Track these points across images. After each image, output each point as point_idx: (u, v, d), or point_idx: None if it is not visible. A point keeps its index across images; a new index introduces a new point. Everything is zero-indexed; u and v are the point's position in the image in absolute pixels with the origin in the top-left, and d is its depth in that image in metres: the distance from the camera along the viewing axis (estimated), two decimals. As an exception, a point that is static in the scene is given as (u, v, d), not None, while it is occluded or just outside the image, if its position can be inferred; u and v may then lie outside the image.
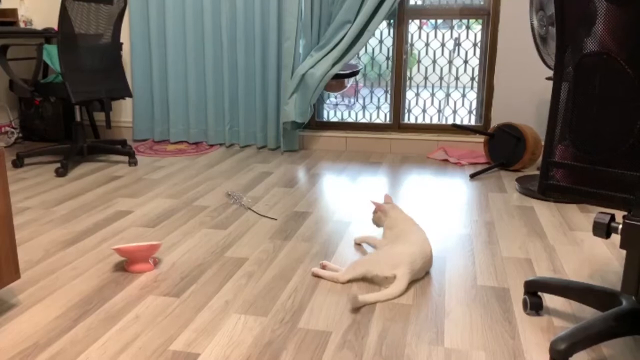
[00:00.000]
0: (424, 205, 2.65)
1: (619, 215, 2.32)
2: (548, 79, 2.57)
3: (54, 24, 3.99)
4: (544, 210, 2.56)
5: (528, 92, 3.53)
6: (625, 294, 1.41)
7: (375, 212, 2.09)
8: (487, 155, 3.39)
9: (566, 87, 1.33)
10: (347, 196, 2.78)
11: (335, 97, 4.07)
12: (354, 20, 3.49)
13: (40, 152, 3.38)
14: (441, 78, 3.76)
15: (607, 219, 1.29)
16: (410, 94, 3.81)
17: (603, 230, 1.29)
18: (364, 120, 3.94)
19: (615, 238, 2.20)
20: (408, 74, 3.78)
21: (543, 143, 3.27)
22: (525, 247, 2.14)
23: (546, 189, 1.39)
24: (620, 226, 1.26)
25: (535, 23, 2.57)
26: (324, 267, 1.93)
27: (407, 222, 2.00)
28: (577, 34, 1.29)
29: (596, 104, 1.27)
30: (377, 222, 2.10)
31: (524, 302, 1.64)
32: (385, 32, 3.75)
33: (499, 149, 3.30)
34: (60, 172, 3.12)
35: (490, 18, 3.52)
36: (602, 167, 1.28)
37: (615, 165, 1.25)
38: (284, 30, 3.55)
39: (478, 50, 3.64)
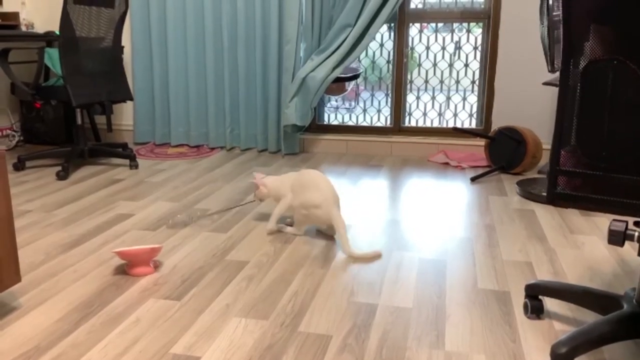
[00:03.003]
0: (424, 208, 2.65)
1: (625, 220, 2.32)
2: (545, 84, 2.56)
3: (55, 27, 4.00)
4: (544, 214, 2.56)
5: (529, 95, 3.53)
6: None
7: (257, 188, 2.35)
8: (487, 159, 3.39)
9: (574, 93, 1.30)
10: (347, 199, 2.78)
11: (336, 101, 4.07)
12: (355, 23, 3.49)
13: (42, 155, 3.38)
14: (442, 81, 3.76)
15: (623, 226, 1.26)
16: (411, 97, 3.81)
17: (620, 238, 1.26)
18: (364, 124, 3.94)
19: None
20: (409, 77, 3.78)
21: (544, 147, 3.28)
22: (525, 250, 2.13)
23: (555, 198, 1.34)
24: (637, 234, 1.24)
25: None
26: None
27: (291, 179, 2.29)
28: (585, 39, 1.26)
29: (607, 110, 1.23)
30: (260, 196, 2.36)
31: (525, 306, 1.64)
32: (386, 35, 3.75)
33: (500, 152, 3.30)
34: (61, 175, 3.13)
35: (490, 21, 3.53)
36: (615, 173, 1.24)
37: (629, 171, 1.22)
38: (285, 33, 3.56)
39: (479, 54, 3.65)
